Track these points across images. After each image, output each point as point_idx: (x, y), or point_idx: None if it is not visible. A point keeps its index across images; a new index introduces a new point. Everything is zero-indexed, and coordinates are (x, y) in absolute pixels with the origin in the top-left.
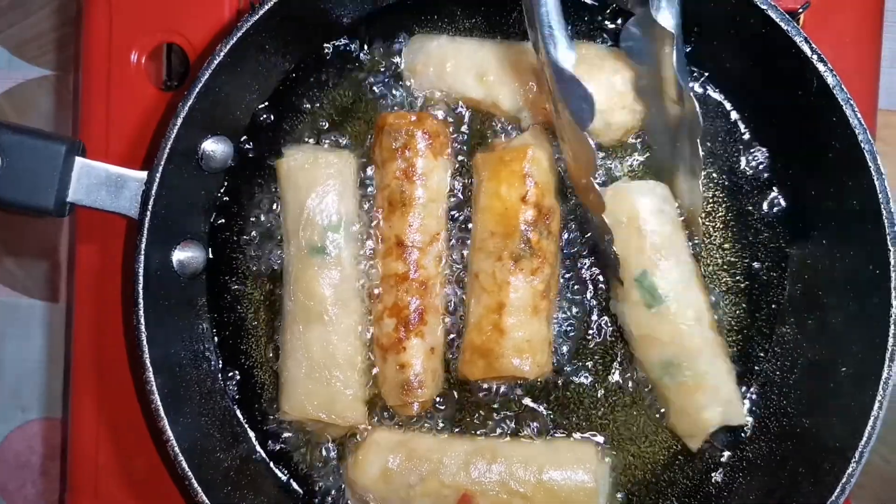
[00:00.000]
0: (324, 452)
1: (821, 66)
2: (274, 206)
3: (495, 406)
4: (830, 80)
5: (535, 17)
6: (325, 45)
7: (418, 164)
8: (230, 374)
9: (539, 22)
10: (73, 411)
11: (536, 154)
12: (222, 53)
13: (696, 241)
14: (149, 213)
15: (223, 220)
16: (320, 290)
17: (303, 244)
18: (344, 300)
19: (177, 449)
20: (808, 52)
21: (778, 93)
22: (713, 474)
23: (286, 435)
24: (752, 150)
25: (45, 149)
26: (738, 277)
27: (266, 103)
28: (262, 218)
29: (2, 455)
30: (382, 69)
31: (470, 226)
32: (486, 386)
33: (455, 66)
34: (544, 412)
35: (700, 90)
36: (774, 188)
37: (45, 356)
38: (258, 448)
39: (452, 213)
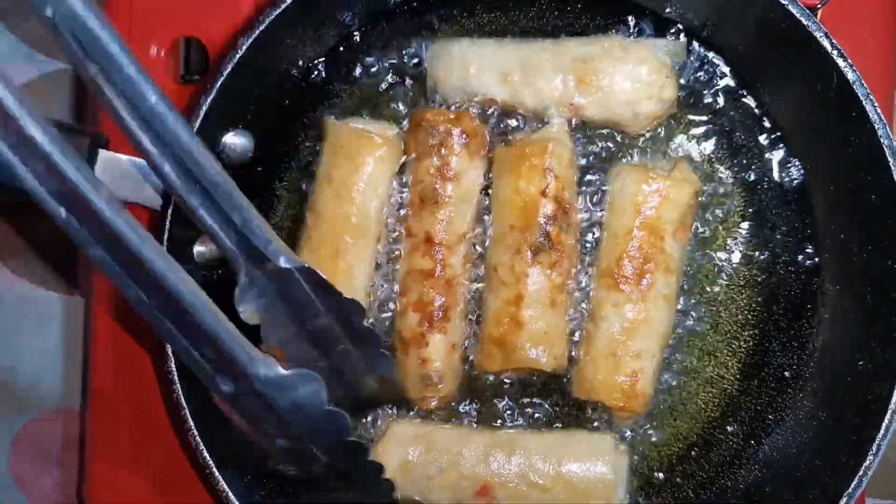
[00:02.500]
0: None
1: (841, 62)
2: (292, 200)
3: (513, 398)
4: (851, 76)
5: None
6: (346, 39)
7: (453, 163)
8: None
9: None
10: (92, 401)
11: (557, 149)
12: (244, 48)
13: None
14: (172, 205)
15: None
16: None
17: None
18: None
19: (198, 438)
20: (829, 48)
21: (797, 88)
22: (729, 467)
23: None
24: (769, 144)
25: (70, 141)
26: (755, 271)
27: (286, 97)
28: (281, 211)
29: (18, 446)
30: (404, 66)
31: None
32: (503, 378)
33: (478, 68)
34: (561, 404)
35: (717, 81)
36: (793, 182)
37: (62, 347)
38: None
39: (483, 213)
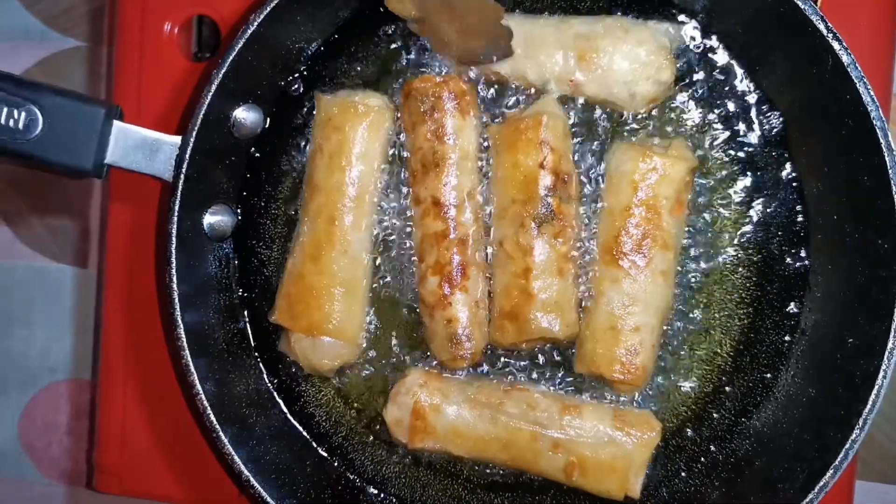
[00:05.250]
0: (352, 415)
1: (836, 45)
2: (299, 174)
3: (528, 371)
4: (845, 59)
5: None
6: (357, 16)
7: (447, 124)
8: (257, 333)
9: None
10: (103, 370)
11: (551, 121)
12: (255, 23)
13: None
14: (182, 175)
15: (253, 186)
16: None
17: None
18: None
19: (205, 403)
20: (825, 31)
21: (792, 70)
22: (720, 441)
23: (311, 393)
24: (764, 126)
25: (85, 112)
26: (749, 251)
27: (297, 73)
28: (288, 184)
29: (29, 415)
30: (410, 42)
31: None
32: (516, 351)
33: None
34: (566, 379)
35: (714, 63)
36: (787, 165)
37: (73, 319)
38: (283, 406)
39: (484, 170)
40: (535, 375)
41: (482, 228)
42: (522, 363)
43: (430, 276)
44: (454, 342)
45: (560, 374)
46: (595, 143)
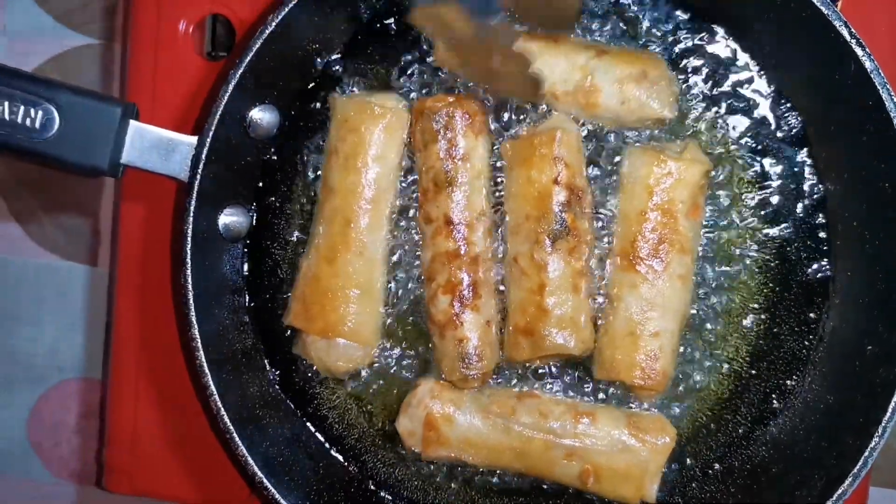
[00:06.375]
0: (365, 418)
1: (859, 51)
2: (315, 175)
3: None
4: (868, 65)
5: None
6: (374, 20)
7: (460, 144)
8: (271, 334)
9: None
10: (114, 369)
11: (565, 137)
12: (273, 24)
13: None
14: (198, 176)
15: (268, 187)
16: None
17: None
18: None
19: (219, 404)
20: (847, 36)
21: (812, 76)
22: (736, 447)
23: (325, 395)
24: (784, 132)
25: (102, 111)
26: (767, 257)
27: (313, 74)
28: (302, 186)
29: (38, 414)
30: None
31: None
32: (531, 367)
33: None
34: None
35: (732, 66)
36: (807, 170)
37: (83, 318)
38: (297, 408)
39: (495, 190)
40: (548, 380)
41: (493, 247)
42: (535, 368)
43: (440, 294)
44: (465, 362)
45: (573, 379)
46: (608, 148)
